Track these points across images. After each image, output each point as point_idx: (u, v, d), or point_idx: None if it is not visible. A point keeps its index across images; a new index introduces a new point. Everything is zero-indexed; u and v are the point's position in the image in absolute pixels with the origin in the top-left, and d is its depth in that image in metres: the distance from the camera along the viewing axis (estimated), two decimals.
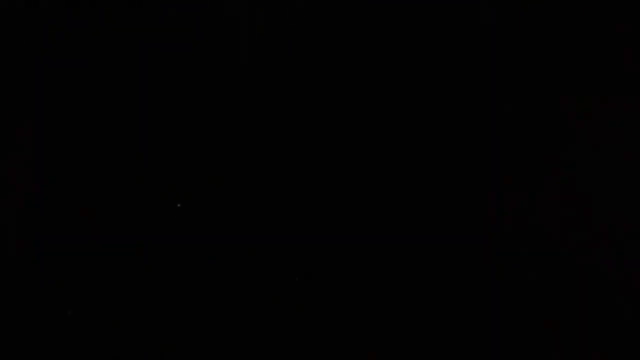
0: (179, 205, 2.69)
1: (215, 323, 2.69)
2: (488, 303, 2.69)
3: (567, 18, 2.78)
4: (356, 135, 2.80)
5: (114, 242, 2.75)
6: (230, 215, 2.78)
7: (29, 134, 2.80)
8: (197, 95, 2.82)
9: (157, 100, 2.82)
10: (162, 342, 2.69)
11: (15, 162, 2.79)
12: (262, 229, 2.78)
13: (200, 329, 2.69)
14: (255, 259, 2.75)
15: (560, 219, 2.72)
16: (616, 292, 2.65)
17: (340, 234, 2.76)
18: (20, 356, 2.67)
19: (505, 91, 2.78)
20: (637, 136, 2.72)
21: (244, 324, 2.69)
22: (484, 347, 2.65)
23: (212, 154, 2.81)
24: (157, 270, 2.74)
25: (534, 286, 2.68)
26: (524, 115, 2.77)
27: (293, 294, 2.70)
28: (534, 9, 2.78)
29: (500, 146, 2.76)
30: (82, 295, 2.72)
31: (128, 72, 2.82)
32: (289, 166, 2.80)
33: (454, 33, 2.80)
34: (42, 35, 2.81)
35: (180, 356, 2.66)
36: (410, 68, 2.81)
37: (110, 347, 2.69)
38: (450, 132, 2.79)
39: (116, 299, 2.72)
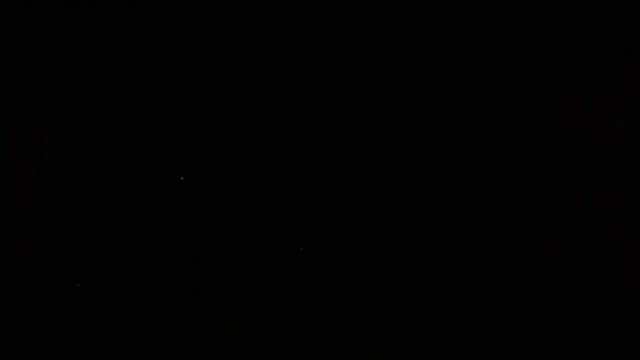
0: (182, 178, 2.69)
1: (218, 300, 2.70)
2: (488, 303, 2.69)
3: (567, 18, 2.78)
4: (356, 134, 2.80)
5: (113, 243, 2.75)
6: (230, 215, 2.78)
7: (29, 133, 2.80)
8: (197, 96, 2.83)
9: (157, 101, 2.82)
10: (164, 338, 2.69)
11: (15, 162, 2.79)
12: (261, 230, 2.78)
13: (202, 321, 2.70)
14: (256, 252, 2.76)
15: (561, 219, 2.72)
16: (617, 291, 2.65)
17: (339, 233, 2.76)
18: (20, 357, 2.67)
19: (505, 91, 2.78)
20: (637, 136, 2.72)
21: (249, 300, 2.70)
22: (484, 347, 2.65)
23: (212, 154, 2.81)
24: (158, 269, 2.74)
25: (534, 286, 2.68)
26: (524, 115, 2.77)
27: (297, 268, 2.71)
28: (534, 9, 2.78)
29: (500, 146, 2.76)
30: (82, 295, 2.72)
31: (128, 72, 2.82)
32: (289, 165, 2.80)
33: (454, 33, 2.80)
34: (42, 35, 2.81)
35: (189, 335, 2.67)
36: (410, 68, 2.81)
37: (110, 347, 2.69)
38: (451, 132, 2.79)
39: (117, 299, 2.72)
